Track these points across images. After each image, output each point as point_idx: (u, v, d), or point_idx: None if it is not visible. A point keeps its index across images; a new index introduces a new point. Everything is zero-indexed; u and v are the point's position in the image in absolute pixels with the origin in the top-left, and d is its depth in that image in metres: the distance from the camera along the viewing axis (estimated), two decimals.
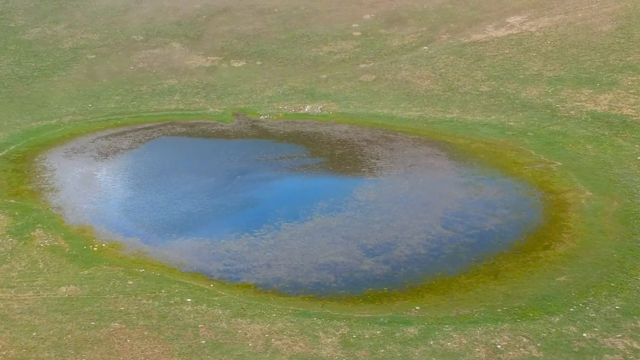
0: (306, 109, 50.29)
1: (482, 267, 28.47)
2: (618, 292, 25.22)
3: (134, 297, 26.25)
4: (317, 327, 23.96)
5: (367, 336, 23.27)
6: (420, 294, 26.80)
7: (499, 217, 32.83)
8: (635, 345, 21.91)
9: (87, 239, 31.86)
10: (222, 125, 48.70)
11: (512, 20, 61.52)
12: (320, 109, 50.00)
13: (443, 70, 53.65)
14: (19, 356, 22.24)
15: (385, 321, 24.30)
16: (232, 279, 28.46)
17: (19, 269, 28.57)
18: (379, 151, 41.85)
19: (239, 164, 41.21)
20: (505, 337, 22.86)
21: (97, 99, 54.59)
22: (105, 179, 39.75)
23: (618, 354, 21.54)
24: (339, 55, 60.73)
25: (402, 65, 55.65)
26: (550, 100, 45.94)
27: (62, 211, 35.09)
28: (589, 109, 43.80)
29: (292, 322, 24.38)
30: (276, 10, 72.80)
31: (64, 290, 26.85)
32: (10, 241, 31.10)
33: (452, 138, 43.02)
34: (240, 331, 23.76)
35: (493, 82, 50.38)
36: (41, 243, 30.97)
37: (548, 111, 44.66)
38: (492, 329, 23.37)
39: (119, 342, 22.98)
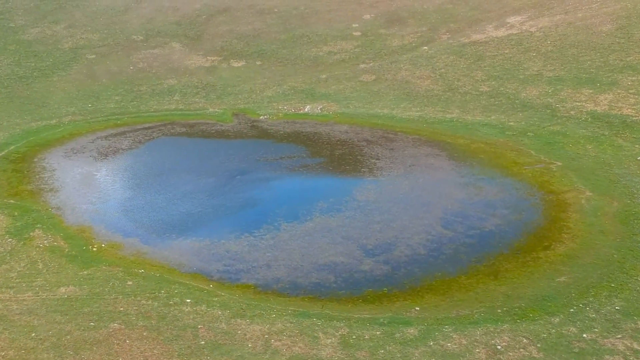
0: (306, 109, 50.25)
1: (482, 267, 28.44)
2: (618, 293, 25.19)
3: (133, 297, 26.22)
4: (316, 328, 23.93)
5: (366, 337, 23.24)
6: (420, 294, 26.77)
7: (499, 217, 32.79)
8: (635, 345, 21.87)
9: (86, 239, 31.83)
10: (221, 126, 48.67)
11: (512, 20, 61.49)
12: (320, 109, 49.96)
13: (443, 70, 53.62)
14: (18, 357, 22.21)
15: (385, 322, 24.27)
16: (231, 280, 28.42)
17: (18, 269, 28.54)
18: (379, 151, 41.81)
19: (239, 164, 41.17)
20: (505, 337, 22.83)
21: (97, 99, 54.57)
22: (105, 179, 39.72)
23: (618, 354, 21.51)
24: (339, 55, 60.69)
25: (402, 65, 55.61)
26: (550, 100, 45.91)
27: (62, 211, 35.06)
28: (589, 109, 43.78)
29: (291, 322, 24.35)
30: (276, 10, 72.77)
31: (63, 290, 26.82)
32: (10, 241, 31.06)
33: (452, 138, 42.99)
34: (239, 332, 23.73)
35: (493, 82, 50.35)
36: (40, 243, 30.94)
37: (548, 111, 44.64)
38: (492, 329, 23.34)
39: (118, 343, 22.95)
